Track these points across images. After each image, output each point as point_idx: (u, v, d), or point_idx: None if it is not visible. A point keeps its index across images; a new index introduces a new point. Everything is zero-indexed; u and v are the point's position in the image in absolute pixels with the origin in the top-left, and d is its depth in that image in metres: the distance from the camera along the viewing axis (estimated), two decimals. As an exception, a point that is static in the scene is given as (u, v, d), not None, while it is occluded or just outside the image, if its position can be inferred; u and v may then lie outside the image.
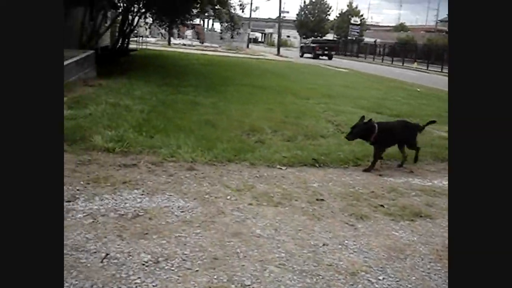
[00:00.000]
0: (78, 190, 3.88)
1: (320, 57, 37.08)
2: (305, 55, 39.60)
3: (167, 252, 3.00)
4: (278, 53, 32.95)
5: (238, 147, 5.72)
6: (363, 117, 5.41)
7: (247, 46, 47.72)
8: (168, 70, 13.79)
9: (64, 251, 2.84)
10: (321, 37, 55.04)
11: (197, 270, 2.82)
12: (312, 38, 47.23)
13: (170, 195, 3.98)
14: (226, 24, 18.00)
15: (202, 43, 41.75)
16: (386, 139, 5.45)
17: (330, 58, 37.88)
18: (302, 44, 44.04)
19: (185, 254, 3.00)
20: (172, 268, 2.82)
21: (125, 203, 3.71)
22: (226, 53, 27.87)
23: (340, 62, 35.78)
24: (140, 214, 3.53)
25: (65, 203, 3.58)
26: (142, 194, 3.93)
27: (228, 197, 4.08)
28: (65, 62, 7.99)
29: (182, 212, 3.67)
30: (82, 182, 4.04)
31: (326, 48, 38.55)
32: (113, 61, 13.30)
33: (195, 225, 3.45)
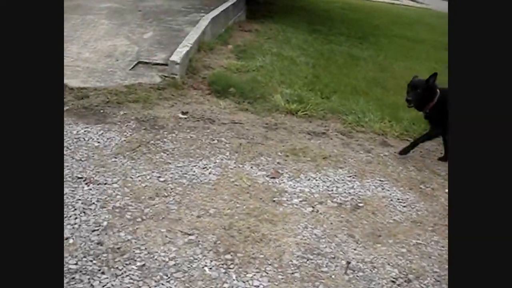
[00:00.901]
0: (278, 163, 3.45)
1: None
2: None
3: (414, 266, 2.46)
4: (413, -2, 29.98)
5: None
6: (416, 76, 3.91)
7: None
8: (311, 13, 12.93)
9: (299, 253, 2.41)
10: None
11: (459, 300, 2.24)
12: None
13: (382, 181, 3.41)
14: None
15: None
16: (444, 116, 3.52)
17: None
18: None
19: (436, 272, 2.45)
20: (429, 292, 2.28)
21: (336, 186, 3.21)
22: (358, -4, 25.97)
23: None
24: (359, 205, 3.02)
25: (270, 179, 3.18)
26: (350, 176, 3.41)
27: (446, 191, 3.41)
28: (225, 6, 7.58)
29: (405, 207, 3.10)
30: (279, 153, 3.61)
31: None
32: (252, 1, 12.71)
33: (428, 228, 2.87)
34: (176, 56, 4.79)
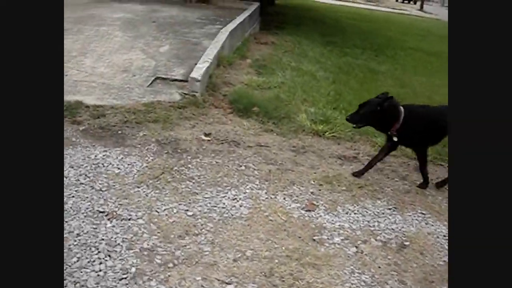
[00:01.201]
0: (312, 193, 3.21)
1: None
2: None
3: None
4: (421, 8, 29.75)
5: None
6: (385, 94, 3.36)
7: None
8: (323, 25, 12.74)
9: (350, 305, 2.15)
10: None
11: None
12: None
13: (424, 214, 3.15)
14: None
15: None
16: (418, 136, 3.40)
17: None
18: None
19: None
20: None
21: (378, 221, 2.96)
22: (366, 5, 25.88)
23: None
24: (405, 243, 2.76)
25: (307, 213, 2.92)
26: (390, 208, 3.16)
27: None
28: (242, 18, 7.37)
29: (453, 245, 2.83)
30: (312, 182, 3.36)
31: None
32: (263, 12, 12.53)
33: (484, 272, 2.59)
34: (197, 73, 4.56)
